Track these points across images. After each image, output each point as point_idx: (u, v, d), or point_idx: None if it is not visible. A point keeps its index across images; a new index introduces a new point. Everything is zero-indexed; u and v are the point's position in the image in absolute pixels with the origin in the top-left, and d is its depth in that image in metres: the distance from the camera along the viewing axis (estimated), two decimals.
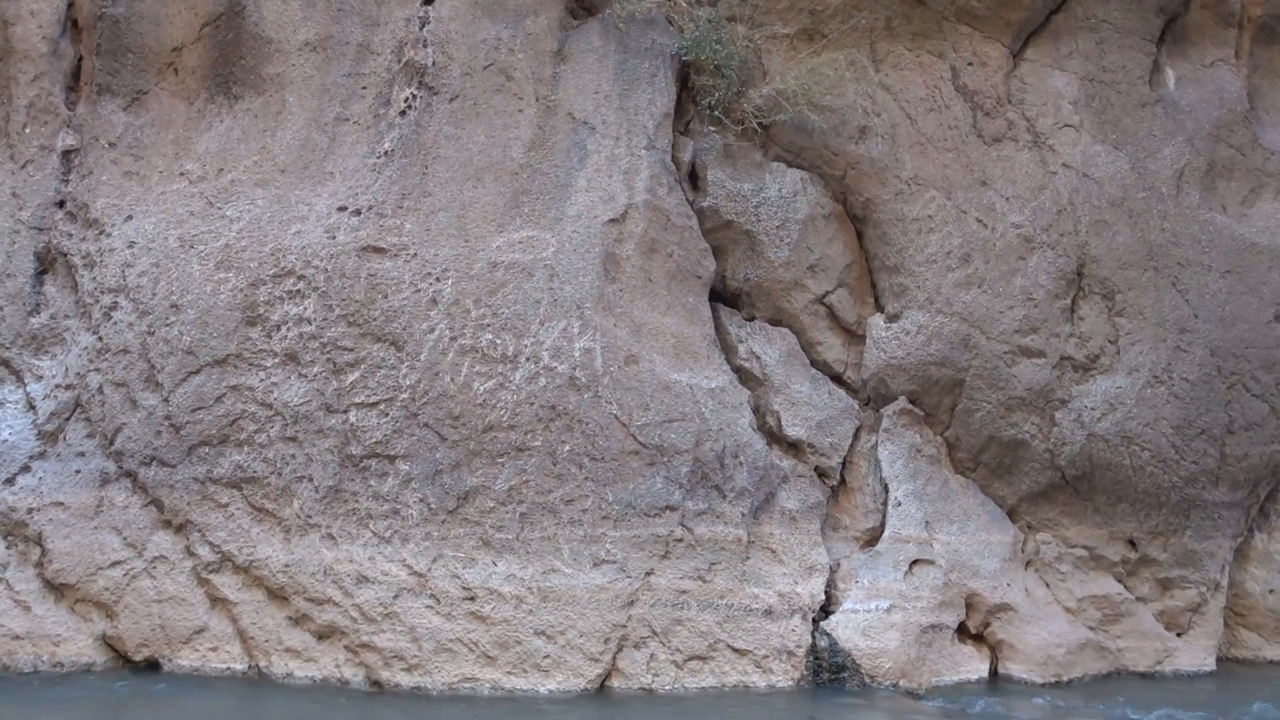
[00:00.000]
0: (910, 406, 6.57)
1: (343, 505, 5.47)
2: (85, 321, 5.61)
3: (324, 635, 5.42)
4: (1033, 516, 6.74)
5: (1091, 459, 6.53)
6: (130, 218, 5.63)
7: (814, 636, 5.92)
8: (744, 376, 6.36)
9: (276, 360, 5.52)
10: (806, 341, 6.63)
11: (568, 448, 5.63)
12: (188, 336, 5.46)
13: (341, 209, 5.64)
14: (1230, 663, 7.12)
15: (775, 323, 6.62)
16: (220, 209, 5.59)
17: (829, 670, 5.89)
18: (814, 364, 6.62)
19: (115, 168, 5.85)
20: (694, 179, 6.43)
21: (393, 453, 5.51)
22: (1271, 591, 7.24)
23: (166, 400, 5.42)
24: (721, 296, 6.55)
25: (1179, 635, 6.91)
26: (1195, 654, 6.89)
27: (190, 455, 5.43)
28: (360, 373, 5.55)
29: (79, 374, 5.52)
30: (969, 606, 6.36)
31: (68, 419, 5.65)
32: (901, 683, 5.87)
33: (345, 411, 5.49)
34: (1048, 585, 6.73)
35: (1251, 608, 7.23)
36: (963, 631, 6.40)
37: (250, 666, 5.46)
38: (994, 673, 6.38)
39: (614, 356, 5.69)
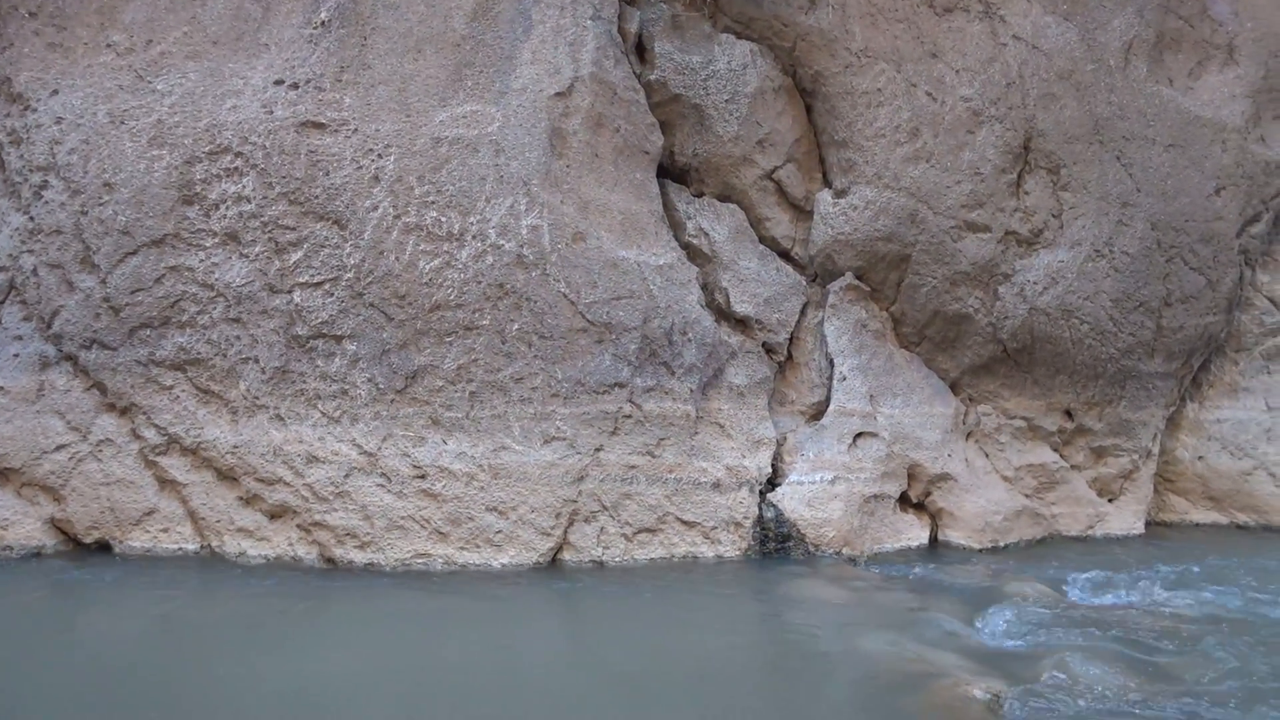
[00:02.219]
0: (856, 282, 6.57)
1: (290, 386, 5.42)
2: (15, 201, 5.45)
3: (276, 515, 5.40)
4: (974, 389, 6.81)
5: (1033, 332, 6.59)
6: (56, 92, 5.41)
7: (760, 508, 6.00)
8: (692, 253, 6.30)
9: (216, 240, 5.38)
10: (755, 218, 6.56)
11: (516, 326, 5.55)
12: (123, 216, 5.28)
13: (278, 83, 5.45)
14: (1159, 526, 7.36)
15: (724, 199, 6.53)
16: (150, 83, 5.38)
17: (775, 540, 5.96)
18: (762, 240, 6.57)
19: (37, 39, 5.62)
20: (641, 51, 6.29)
21: (339, 333, 5.42)
22: (1200, 458, 7.44)
23: (104, 282, 5.27)
24: (669, 172, 6.45)
25: (1110, 501, 7.08)
26: (1125, 518, 7.08)
27: (131, 338, 5.31)
28: (303, 252, 5.42)
29: (11, 255, 5.39)
30: (911, 477, 6.46)
31: (2, 302, 5.53)
32: (844, 550, 5.97)
33: (289, 292, 5.38)
34: (987, 455, 6.85)
35: (1181, 474, 7.44)
36: (904, 501, 6.51)
37: (202, 546, 5.45)
38: (934, 540, 6.53)
39: (561, 234, 5.60)
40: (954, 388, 6.84)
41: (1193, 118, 6.71)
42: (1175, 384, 7.27)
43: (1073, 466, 7.03)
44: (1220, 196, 6.78)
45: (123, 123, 5.40)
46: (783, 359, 6.60)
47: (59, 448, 5.28)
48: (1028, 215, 6.52)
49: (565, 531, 5.63)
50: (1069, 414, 7.01)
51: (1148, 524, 7.25)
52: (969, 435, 6.89)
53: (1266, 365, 7.55)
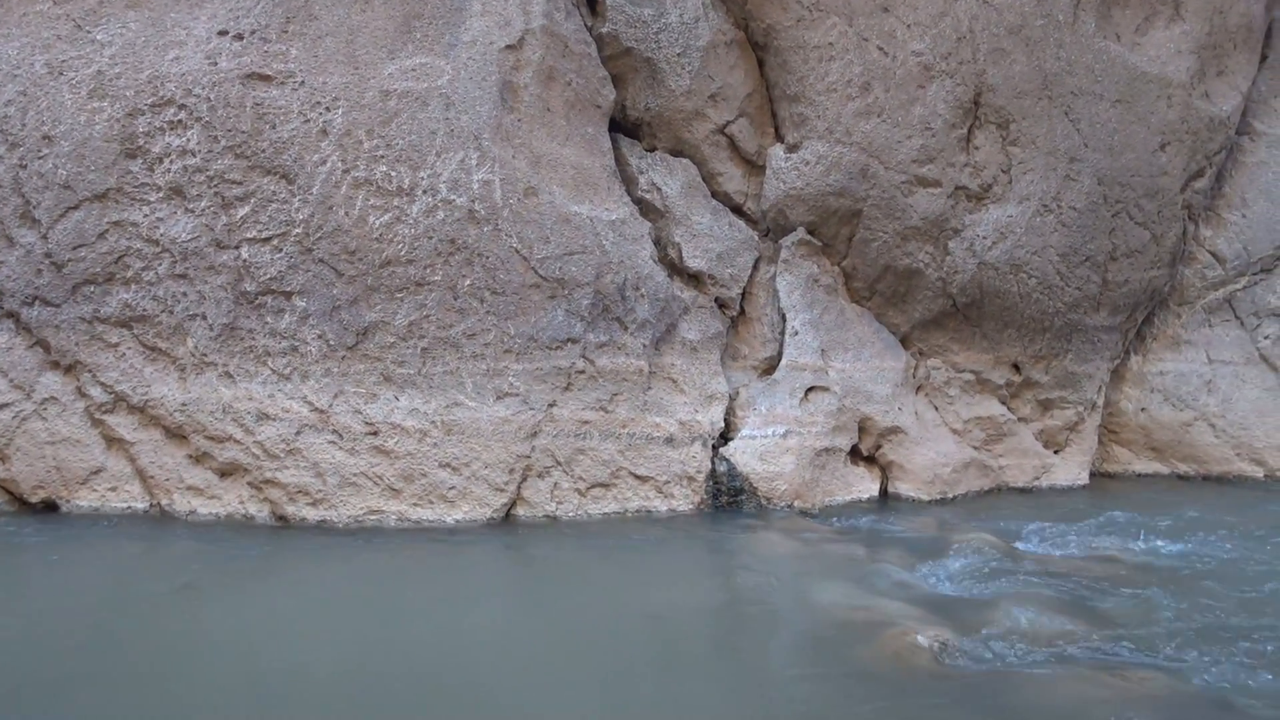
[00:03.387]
0: (808, 237, 6.53)
1: (239, 343, 5.32)
2: None
3: (226, 473, 5.33)
4: (924, 343, 6.83)
5: (982, 287, 6.61)
6: None
7: (713, 462, 6.00)
8: (645, 208, 6.26)
9: (160, 195, 5.25)
10: (708, 173, 6.50)
11: (468, 282, 5.48)
12: (63, 170, 5.14)
13: (222, 33, 5.30)
14: (1102, 478, 7.43)
15: (676, 154, 6.46)
16: (90, 33, 5.19)
17: (728, 494, 5.96)
18: (715, 195, 6.52)
19: None
20: (592, 3, 6.18)
21: (288, 289, 5.32)
22: (1143, 410, 7.51)
23: (45, 237, 5.14)
24: (622, 127, 6.37)
25: (1056, 453, 7.14)
26: (1071, 470, 7.16)
27: (75, 294, 5.18)
28: (250, 207, 5.30)
29: None
30: (862, 430, 6.48)
31: None
32: (796, 504, 5.99)
33: (237, 247, 5.26)
34: (936, 409, 6.89)
35: (1124, 425, 7.51)
36: (855, 454, 6.54)
37: (152, 505, 5.36)
38: (884, 492, 6.57)
39: (513, 188, 5.53)
40: (904, 342, 6.85)
41: (1139, 73, 6.69)
42: (1120, 337, 7.30)
43: (1020, 419, 7.07)
44: (1165, 152, 6.80)
45: (61, 74, 5.21)
46: (735, 314, 6.58)
47: (2, 406, 5.08)
48: (977, 170, 6.49)
49: (519, 487, 5.60)
50: (1016, 367, 7.04)
51: (1092, 475, 7.31)
52: (919, 389, 6.92)
53: (1208, 319, 7.60)
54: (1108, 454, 7.58)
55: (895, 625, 3.75)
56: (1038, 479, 6.99)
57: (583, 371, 5.73)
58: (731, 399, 6.22)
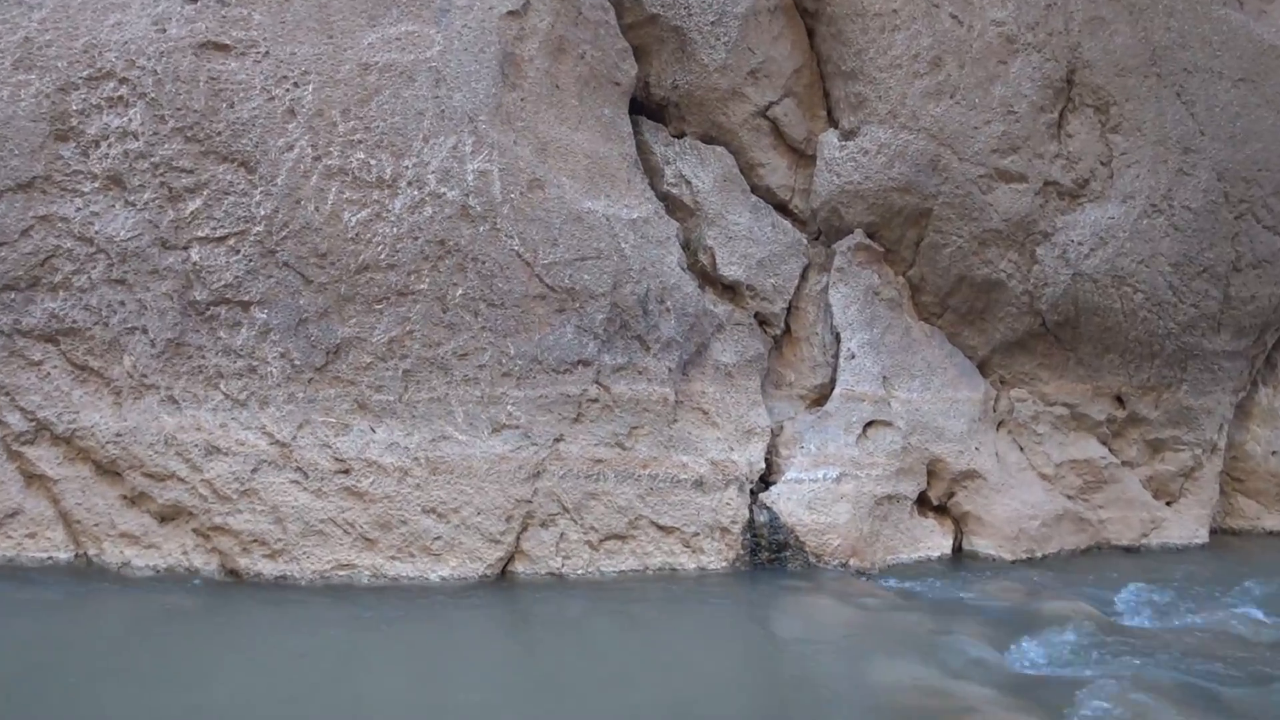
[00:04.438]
0: (868, 241, 6.46)
1: (186, 362, 5.27)
2: None
3: (168, 517, 5.27)
4: (1007, 370, 6.75)
5: (1077, 302, 6.50)
6: None
7: (752, 510, 5.92)
8: (672, 205, 6.21)
9: (96, 184, 5.22)
10: (746, 163, 6.43)
11: (460, 291, 5.43)
12: None
13: None
14: (1225, 534, 7.26)
15: (709, 140, 6.40)
16: None
17: (769, 549, 5.88)
18: (755, 190, 6.46)
19: None
20: None
21: (246, 298, 5.27)
22: (1275, 453, 7.34)
23: None
24: (645, 108, 6.33)
25: (1169, 504, 7.02)
26: (1186, 525, 7.01)
27: None
28: (203, 200, 5.25)
29: None
30: (931, 474, 6.40)
31: None
32: (852, 562, 5.90)
33: (185, 248, 5.22)
34: (1022, 449, 6.79)
35: (1251, 472, 7.35)
36: (923, 503, 6.46)
37: (77, 555, 5.29)
38: (958, 549, 6.49)
39: (515, 181, 5.47)
40: (983, 368, 6.75)
41: (1267, 47, 6.58)
42: (1246, 365, 7.18)
43: (1124, 463, 6.97)
44: None
45: None
46: (779, 332, 6.51)
47: None
48: (1071, 162, 6.38)
49: (518, 538, 5.52)
50: (1120, 400, 6.95)
51: (1212, 531, 7.17)
52: (1000, 425, 6.82)
53: None
54: (1231, 506, 7.45)
55: (974, 712, 3.68)
56: (1146, 536, 6.90)
57: (596, 400, 5.67)
58: (774, 435, 6.16)
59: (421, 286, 5.45)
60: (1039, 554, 6.43)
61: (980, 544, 6.40)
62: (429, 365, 5.45)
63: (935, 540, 6.37)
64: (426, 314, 5.43)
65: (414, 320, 5.43)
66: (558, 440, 5.63)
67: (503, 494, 5.50)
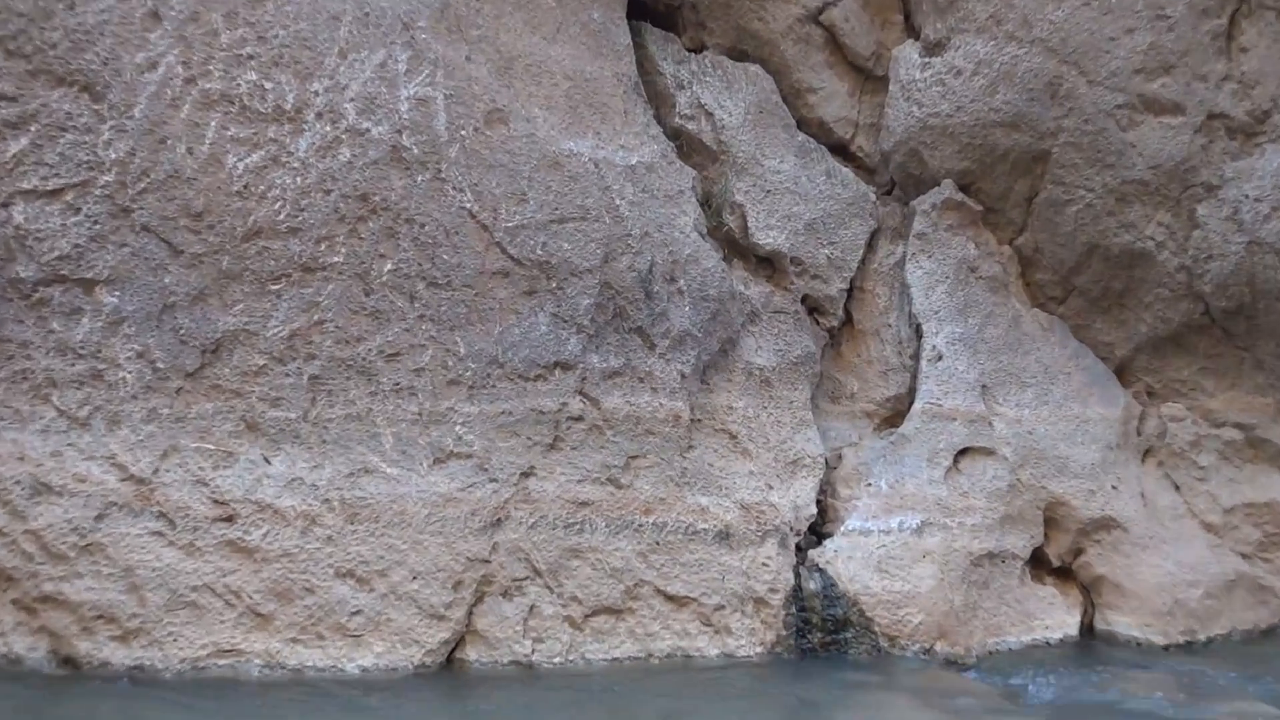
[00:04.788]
0: (960, 197, 6.20)
1: (3, 364, 5.03)
2: None
3: None
4: (1156, 377, 6.52)
5: (1253, 282, 6.20)
6: None
7: (799, 574, 5.64)
8: (687, 146, 6.00)
9: None
10: (791, 87, 6.23)
11: (389, 266, 5.19)
12: None
13: None
14: None
15: (739, 56, 6.21)
16: None
17: (823, 628, 5.60)
18: (803, 126, 6.25)
19: None
20: None
21: (90, 275, 5.03)
22: None
23: None
24: (650, 12, 6.16)
25: None
26: None
27: None
28: (29, 139, 4.99)
29: None
30: (1050, 523, 6.14)
31: None
32: (939, 647, 5.61)
33: (4, 205, 4.97)
34: (1178, 488, 6.53)
35: None
36: (1039, 564, 6.21)
37: None
38: (1089, 628, 6.21)
39: (467, 112, 5.26)
40: (1121, 374, 6.51)
41: None
42: None
43: None
44: None
45: None
46: (837, 324, 6.32)
47: None
48: (1245, 88, 6.10)
49: (470, 612, 5.27)
50: None
51: None
52: (1147, 454, 6.54)
53: None
54: None
55: None
56: None
57: (580, 418, 5.42)
58: (829, 467, 5.92)
59: (335, 259, 5.21)
60: (1202, 636, 6.14)
61: (1119, 621, 6.11)
62: (346, 370, 5.22)
63: (1056, 616, 6.07)
64: (343, 298, 5.20)
65: (325, 306, 5.20)
66: (526, 475, 5.38)
67: (449, 551, 5.24)
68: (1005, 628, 5.83)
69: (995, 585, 5.79)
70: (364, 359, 5.23)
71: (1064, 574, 6.13)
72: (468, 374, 5.29)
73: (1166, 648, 5.90)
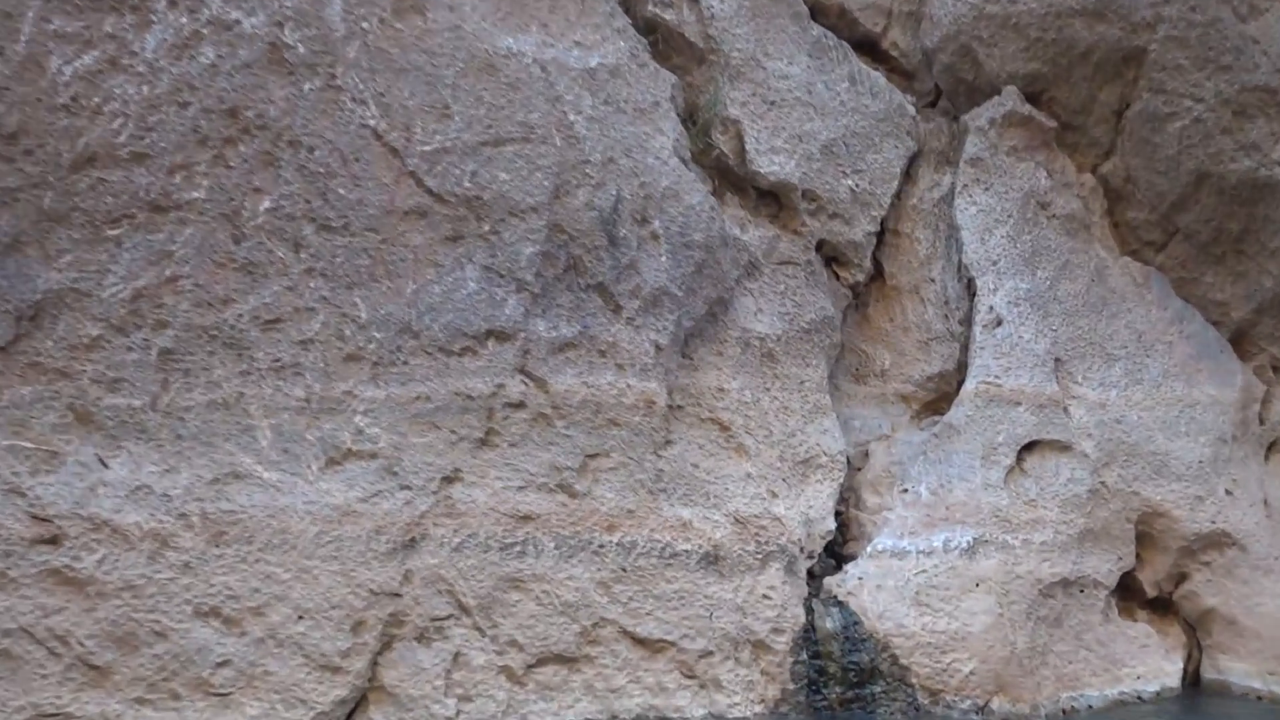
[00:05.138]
0: (1029, 110, 6.16)
1: None
2: None
3: None
4: None
5: None
6: None
7: (811, 609, 5.63)
8: (664, 42, 5.97)
9: None
10: None
11: (267, 204, 5.14)
12: None
13: None
14: None
15: None
16: None
17: (843, 680, 5.50)
18: (818, 15, 6.22)
19: None
20: None
21: None
22: None
23: None
24: None
25: None
26: None
27: None
28: None
29: None
30: (1145, 540, 6.14)
31: None
32: (998, 704, 5.56)
33: None
34: None
35: None
36: (1130, 594, 6.24)
37: None
38: (1194, 677, 6.20)
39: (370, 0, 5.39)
40: (1239, 342, 6.51)
41: None
42: None
43: None
44: None
45: None
46: (863, 278, 6.30)
47: None
48: None
49: (374, 662, 5.23)
50: None
51: None
52: (1273, 447, 6.52)
53: None
54: None
55: None
56: None
57: (520, 405, 5.42)
58: (853, 468, 5.95)
59: (195, 195, 5.13)
60: None
61: (1235, 668, 6.04)
62: (209, 341, 5.15)
63: (1152, 662, 6.01)
64: (204, 246, 5.14)
65: (181, 258, 5.13)
66: (449, 480, 5.37)
67: (346, 581, 5.20)
68: (1084, 678, 5.81)
69: (1071, 622, 5.79)
70: (233, 327, 5.15)
71: (1162, 607, 6.18)
72: (371, 347, 5.23)
73: None
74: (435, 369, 5.29)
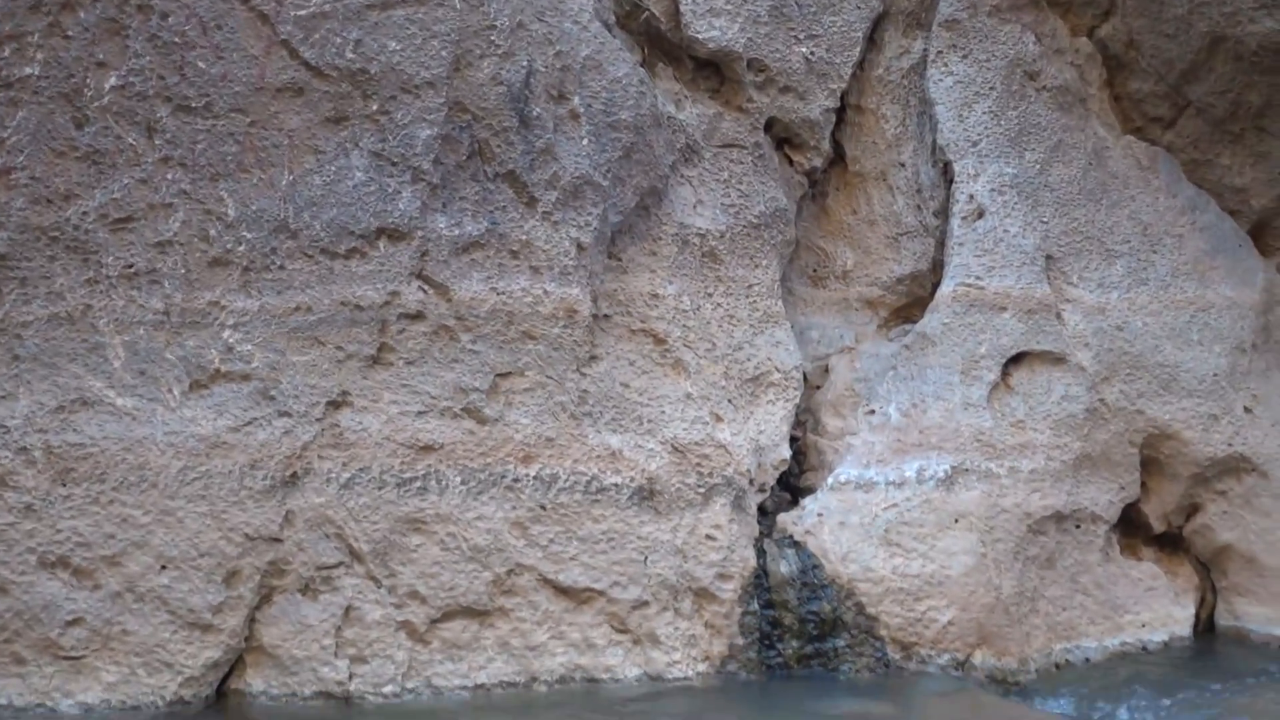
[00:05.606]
0: None
1: None
2: None
3: None
4: None
5: None
6: None
7: (763, 551, 5.64)
8: None
9: None
10: None
11: (113, 81, 5.13)
12: None
13: None
14: None
15: None
16: None
17: (800, 634, 5.56)
18: None
19: None
20: None
21: None
22: None
23: None
24: None
25: None
26: None
27: None
28: None
29: None
30: (1151, 467, 6.19)
31: None
32: (980, 658, 5.60)
33: None
34: None
35: None
36: (1135, 529, 6.28)
37: None
38: (1208, 623, 6.31)
39: None
40: (1260, 235, 6.55)
41: None
42: None
43: None
44: None
45: None
46: (821, 164, 6.31)
47: None
48: None
49: (251, 619, 5.24)
50: None
51: None
52: None
53: None
54: None
55: None
56: None
57: (419, 315, 5.41)
58: (811, 386, 5.98)
59: (27, 71, 5.14)
60: None
61: (1255, 613, 6.15)
62: (48, 245, 5.16)
63: (1159, 607, 6.11)
64: (39, 132, 5.14)
65: (12, 146, 5.13)
66: (336, 405, 5.36)
67: (217, 525, 5.20)
68: (1080, 627, 5.85)
69: (1065, 563, 5.80)
70: (76, 228, 5.15)
71: (1171, 544, 6.19)
72: (241, 249, 5.22)
73: None
74: (317, 275, 5.27)
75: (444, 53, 5.37)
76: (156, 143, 5.16)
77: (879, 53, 6.23)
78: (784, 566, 5.59)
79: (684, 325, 5.77)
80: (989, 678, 5.59)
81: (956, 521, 5.69)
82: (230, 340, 5.28)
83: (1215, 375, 6.13)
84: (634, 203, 5.71)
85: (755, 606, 5.55)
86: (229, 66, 5.22)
